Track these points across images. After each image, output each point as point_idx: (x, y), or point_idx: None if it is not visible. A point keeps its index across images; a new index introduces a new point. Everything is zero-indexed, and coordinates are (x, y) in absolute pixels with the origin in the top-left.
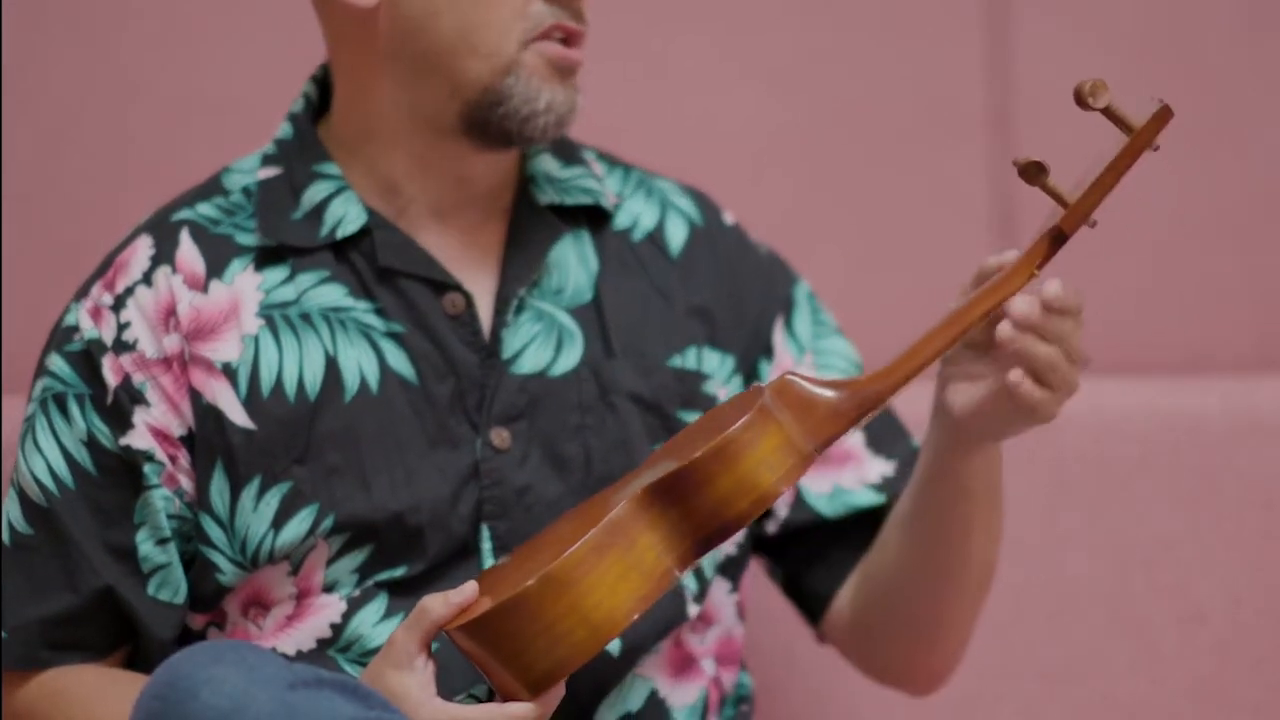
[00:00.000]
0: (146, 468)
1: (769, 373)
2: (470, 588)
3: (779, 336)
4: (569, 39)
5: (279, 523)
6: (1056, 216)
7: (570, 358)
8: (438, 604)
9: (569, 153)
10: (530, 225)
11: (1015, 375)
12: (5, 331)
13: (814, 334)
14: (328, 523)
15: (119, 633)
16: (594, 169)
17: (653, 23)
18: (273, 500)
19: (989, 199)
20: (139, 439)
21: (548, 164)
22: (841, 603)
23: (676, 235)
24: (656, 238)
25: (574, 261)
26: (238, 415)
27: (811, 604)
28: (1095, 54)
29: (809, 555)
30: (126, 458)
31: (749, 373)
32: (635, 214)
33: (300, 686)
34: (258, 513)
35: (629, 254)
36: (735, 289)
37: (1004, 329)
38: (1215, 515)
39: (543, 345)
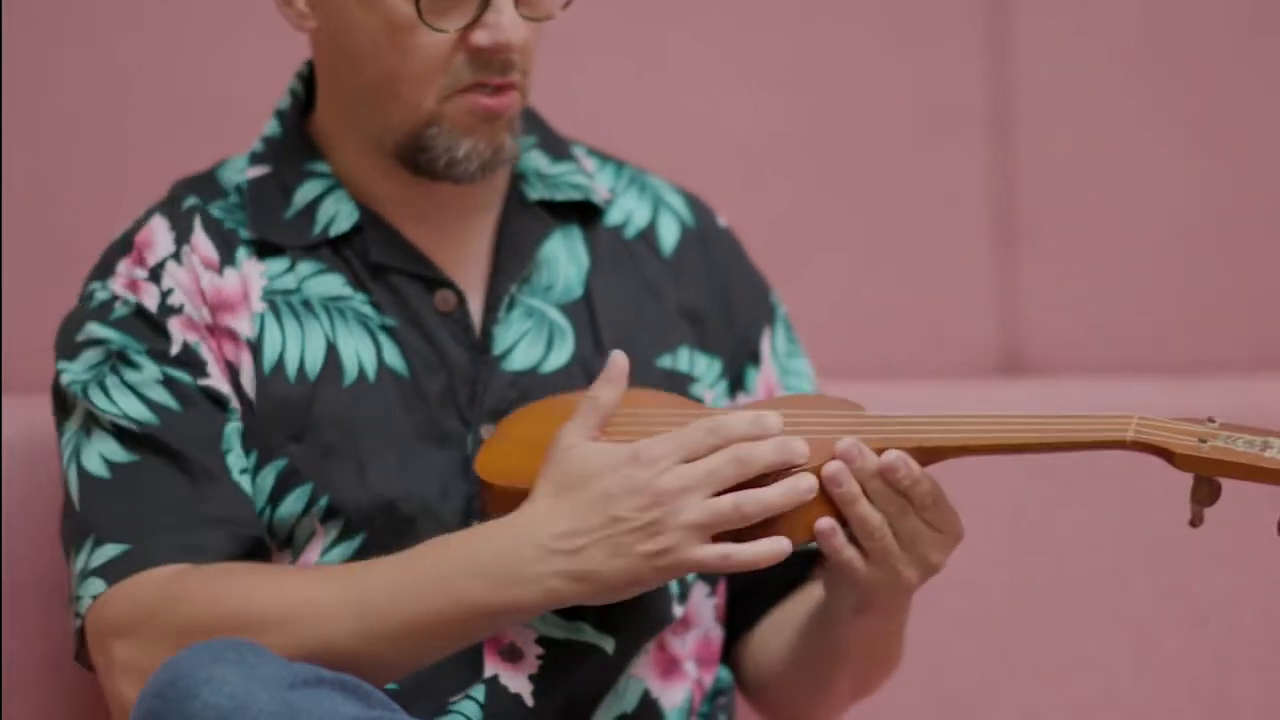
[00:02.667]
0: (230, 404)
1: (755, 380)
2: (620, 359)
3: (766, 346)
4: (498, 89)
5: (275, 498)
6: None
7: (561, 354)
8: (602, 389)
9: (558, 149)
10: (520, 222)
11: (823, 522)
12: (5, 332)
13: (787, 351)
14: (323, 502)
15: (256, 540)
16: (584, 165)
17: (652, 23)
18: (269, 475)
19: (989, 200)
20: (215, 382)
21: (537, 160)
22: (745, 645)
23: (669, 234)
24: (649, 236)
25: (564, 258)
26: (250, 389)
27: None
28: (1095, 55)
29: (734, 594)
30: (209, 393)
31: (735, 378)
32: (628, 210)
33: (300, 685)
34: (256, 487)
35: (621, 250)
36: (726, 293)
37: (829, 466)
38: (1215, 515)
39: (534, 342)
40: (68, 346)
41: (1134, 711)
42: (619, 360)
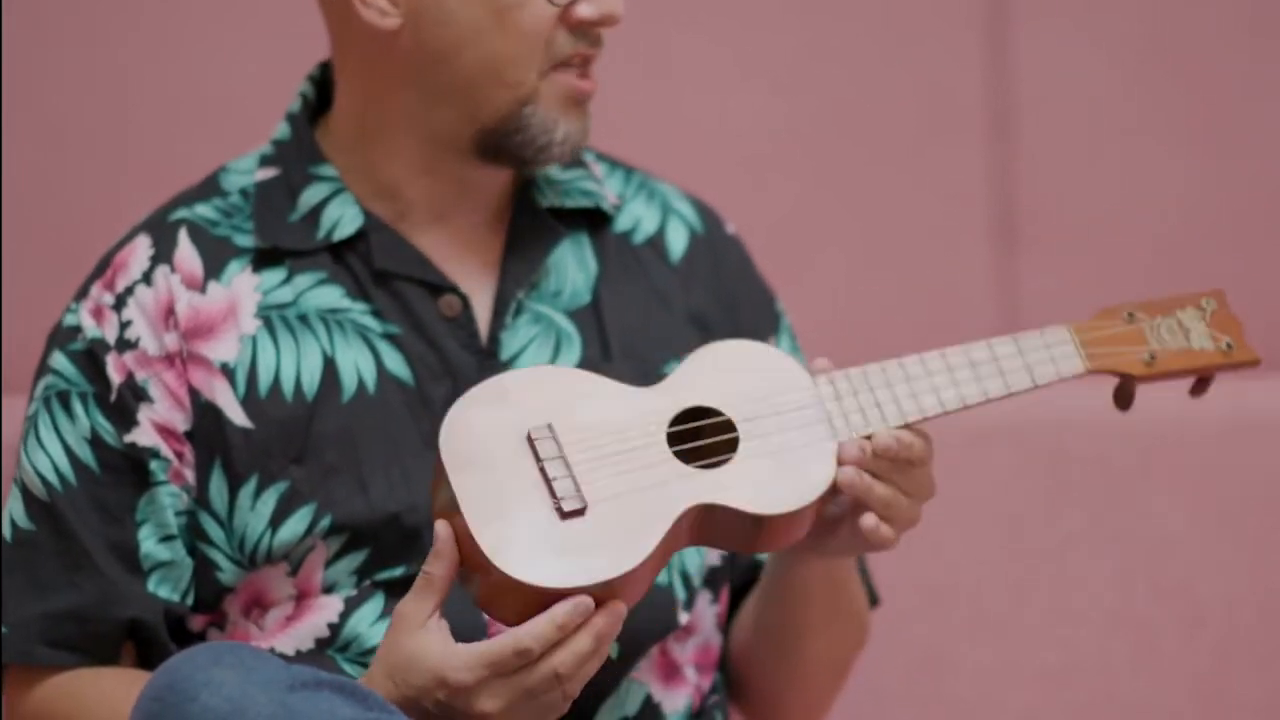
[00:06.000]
0: (153, 464)
1: None
2: (444, 533)
3: None
4: (585, 65)
5: (276, 522)
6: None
7: (568, 360)
8: (434, 565)
9: None
10: (530, 228)
11: (869, 520)
12: (5, 331)
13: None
14: (325, 522)
15: (120, 633)
16: (594, 171)
17: (655, 23)
18: (270, 499)
19: (989, 200)
20: (144, 436)
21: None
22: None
23: (677, 241)
24: (657, 242)
25: (572, 264)
26: (236, 414)
27: None
28: (1095, 54)
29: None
30: (132, 455)
31: None
32: (637, 217)
33: (299, 688)
34: (255, 511)
35: (629, 257)
36: (733, 299)
37: (844, 473)
38: (1215, 515)
39: (541, 347)
40: (41, 363)
41: (1134, 711)
42: (443, 532)
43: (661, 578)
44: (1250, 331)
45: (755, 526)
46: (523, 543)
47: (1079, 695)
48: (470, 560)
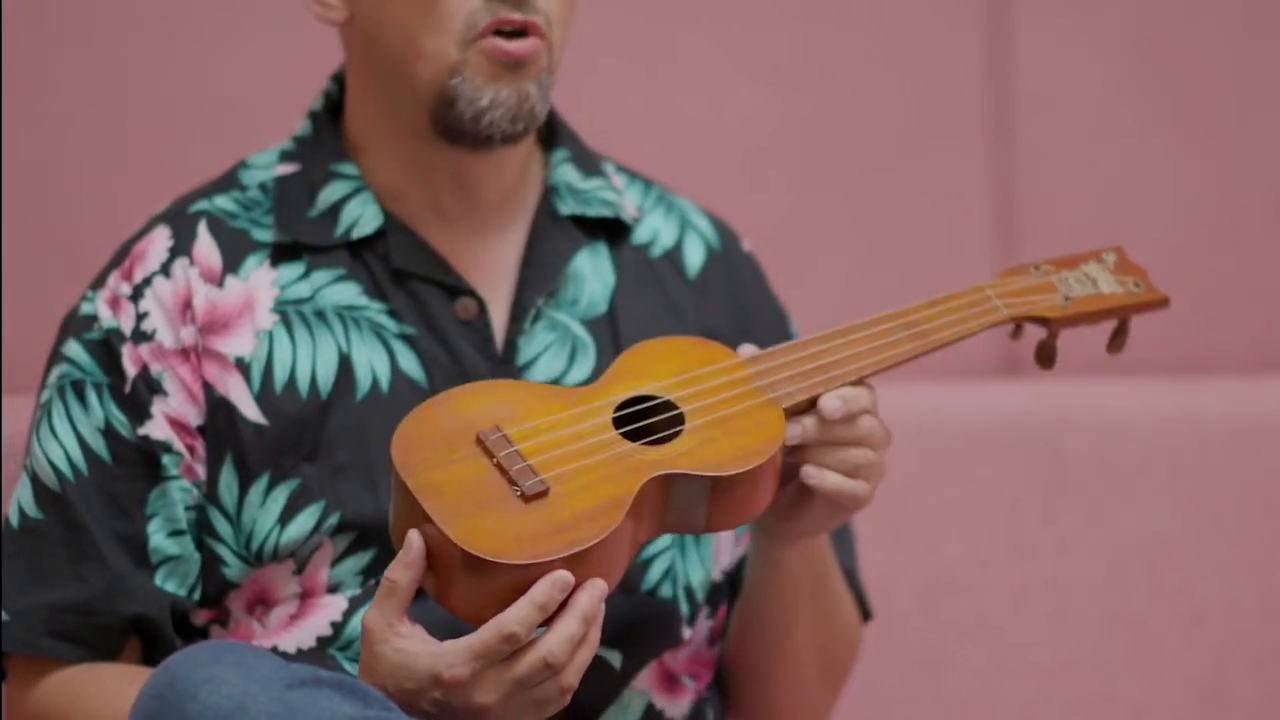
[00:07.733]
0: (165, 458)
1: None
2: (416, 542)
3: None
4: (523, 30)
5: (285, 519)
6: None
7: (583, 369)
8: (401, 573)
9: (590, 164)
10: (551, 235)
11: (812, 473)
12: (5, 331)
13: None
14: (333, 520)
15: (124, 627)
16: (614, 181)
17: (653, 22)
18: (280, 496)
19: (988, 200)
20: (157, 429)
21: (569, 174)
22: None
23: (694, 256)
24: (674, 256)
25: (590, 273)
26: (250, 410)
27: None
28: (1095, 54)
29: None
30: (144, 448)
31: None
32: (655, 229)
33: (299, 686)
34: (265, 508)
35: (646, 269)
36: (746, 317)
37: (805, 471)
38: (1215, 516)
39: (556, 355)
40: (54, 351)
41: (1133, 711)
42: (415, 541)
43: (666, 592)
44: (1249, 331)
45: (716, 493)
46: (492, 528)
47: (1077, 695)
48: (441, 561)
